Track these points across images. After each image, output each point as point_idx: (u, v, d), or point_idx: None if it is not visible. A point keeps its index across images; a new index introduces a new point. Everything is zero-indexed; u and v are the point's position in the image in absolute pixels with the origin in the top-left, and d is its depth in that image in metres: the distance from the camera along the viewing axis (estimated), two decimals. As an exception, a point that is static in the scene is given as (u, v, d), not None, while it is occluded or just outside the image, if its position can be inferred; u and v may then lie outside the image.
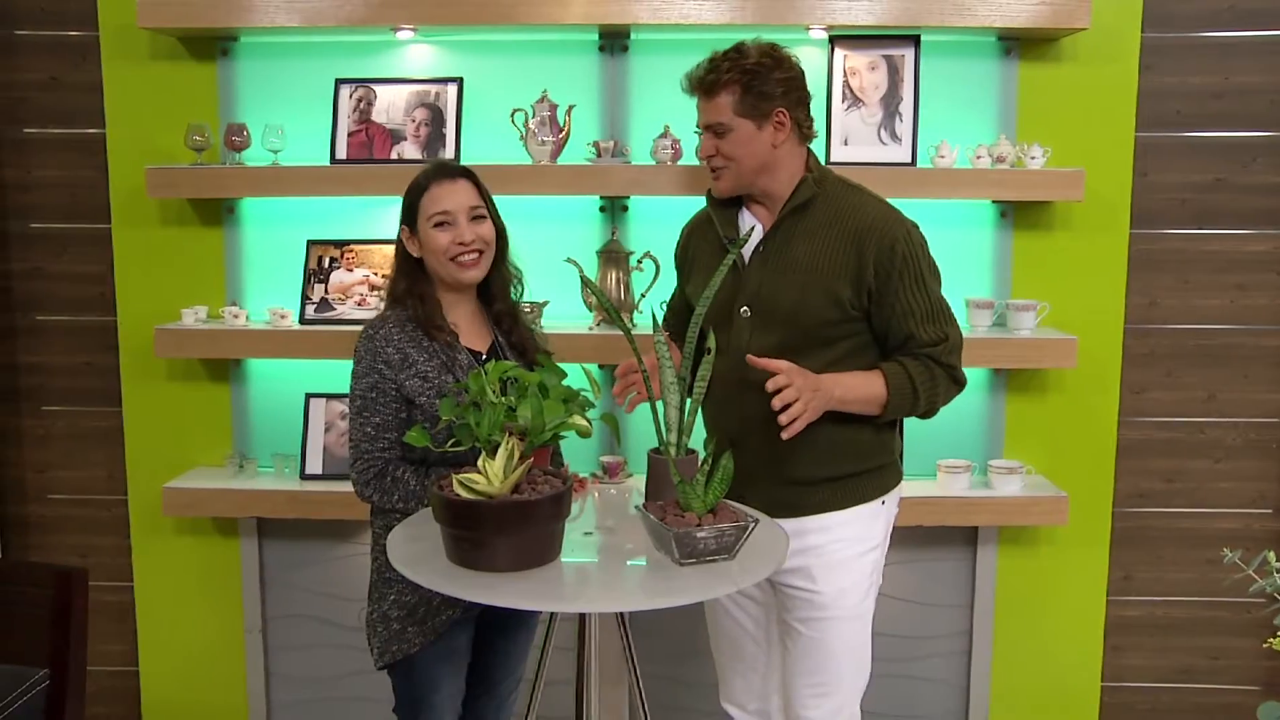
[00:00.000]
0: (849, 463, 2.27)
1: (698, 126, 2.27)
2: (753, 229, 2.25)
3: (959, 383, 2.26)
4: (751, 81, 2.16)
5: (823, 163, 2.37)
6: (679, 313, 2.45)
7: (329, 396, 3.04)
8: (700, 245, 2.40)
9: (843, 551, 2.28)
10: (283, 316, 2.97)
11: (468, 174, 2.28)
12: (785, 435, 2.05)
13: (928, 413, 2.26)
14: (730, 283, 2.23)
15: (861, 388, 2.19)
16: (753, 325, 2.24)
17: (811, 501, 2.27)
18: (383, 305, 2.35)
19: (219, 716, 3.28)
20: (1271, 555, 1.41)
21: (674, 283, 2.55)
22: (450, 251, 2.21)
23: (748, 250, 2.26)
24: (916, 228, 2.24)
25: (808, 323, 2.20)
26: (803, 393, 2.05)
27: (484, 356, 2.28)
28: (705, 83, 2.20)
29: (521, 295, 2.40)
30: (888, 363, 2.22)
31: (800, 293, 2.20)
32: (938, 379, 2.21)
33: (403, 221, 2.27)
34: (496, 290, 2.34)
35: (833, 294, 2.18)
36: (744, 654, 2.48)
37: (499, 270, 2.32)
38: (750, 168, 2.21)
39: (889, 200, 2.29)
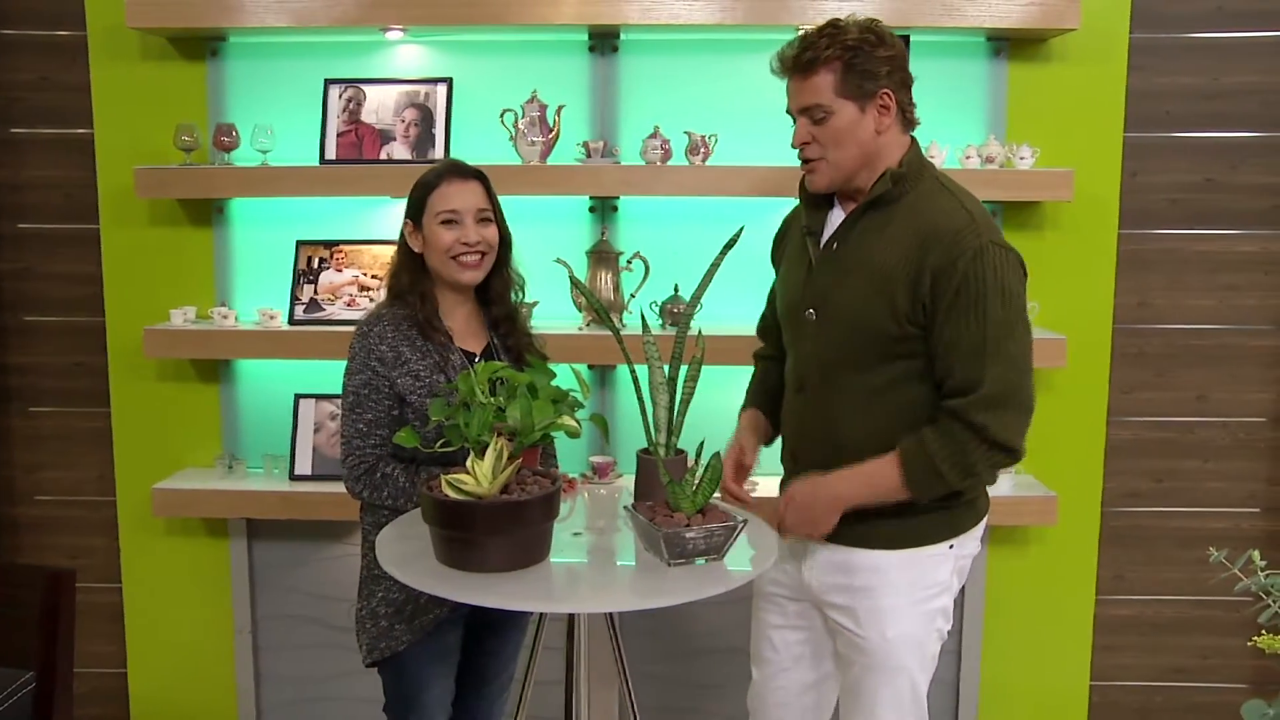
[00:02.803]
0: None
1: (788, 111, 2.02)
2: (741, 229, 2.15)
3: (1001, 447, 1.86)
4: (854, 59, 1.92)
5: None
6: (770, 309, 2.29)
7: (318, 397, 3.03)
8: (791, 239, 2.19)
9: (894, 599, 1.98)
10: (272, 317, 2.96)
11: (480, 176, 2.28)
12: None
13: (973, 485, 1.96)
14: (803, 281, 2.05)
15: (867, 478, 1.93)
16: (816, 330, 2.02)
17: (857, 533, 1.99)
18: (382, 296, 2.34)
19: (209, 717, 3.27)
20: (1256, 554, 1.42)
21: (664, 283, 2.52)
22: (453, 250, 2.21)
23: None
24: (1000, 248, 1.88)
25: (867, 333, 1.95)
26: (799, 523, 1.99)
27: (477, 358, 2.28)
28: (802, 61, 1.93)
29: (521, 300, 2.40)
30: (906, 441, 1.91)
31: (860, 297, 1.95)
32: (966, 446, 1.86)
33: (407, 215, 2.26)
34: (496, 294, 2.33)
35: (891, 303, 1.91)
36: (777, 681, 2.26)
37: (500, 274, 2.32)
38: (851, 157, 1.96)
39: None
